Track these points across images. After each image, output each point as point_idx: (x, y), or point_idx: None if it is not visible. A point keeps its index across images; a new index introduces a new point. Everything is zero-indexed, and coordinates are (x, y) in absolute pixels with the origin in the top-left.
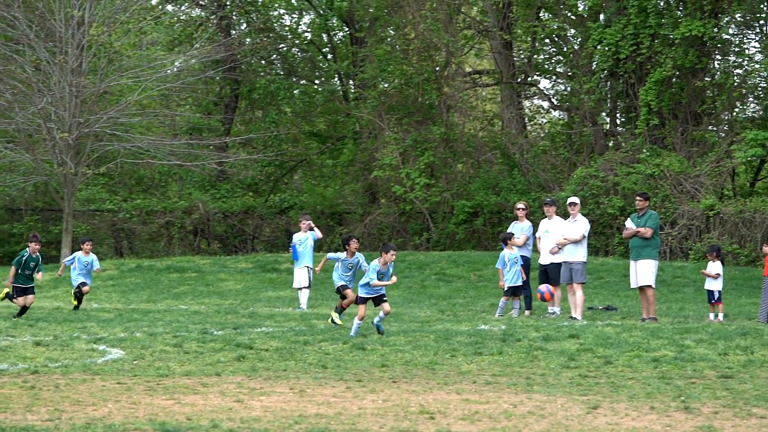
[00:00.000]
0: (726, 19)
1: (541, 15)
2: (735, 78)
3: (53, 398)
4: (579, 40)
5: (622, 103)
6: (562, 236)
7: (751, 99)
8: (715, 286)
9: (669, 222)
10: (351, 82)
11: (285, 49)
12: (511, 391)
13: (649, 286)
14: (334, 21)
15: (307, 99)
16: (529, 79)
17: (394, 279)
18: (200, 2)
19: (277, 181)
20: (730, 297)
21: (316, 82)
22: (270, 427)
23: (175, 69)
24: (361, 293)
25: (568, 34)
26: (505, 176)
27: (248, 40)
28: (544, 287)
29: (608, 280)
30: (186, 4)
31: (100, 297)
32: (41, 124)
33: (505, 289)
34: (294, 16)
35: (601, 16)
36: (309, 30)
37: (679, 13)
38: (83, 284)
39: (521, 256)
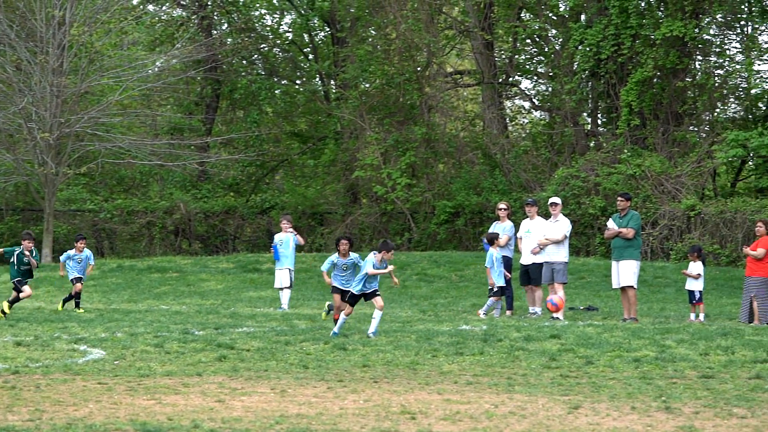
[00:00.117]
0: (707, 19)
1: (522, 15)
2: (716, 78)
3: (34, 398)
4: (560, 40)
5: (603, 103)
6: (543, 236)
7: (732, 99)
8: (696, 286)
9: (650, 222)
10: (332, 82)
11: (266, 49)
12: (492, 391)
13: (631, 287)
14: (315, 21)
15: (289, 99)
16: (511, 79)
17: (391, 267)
18: (181, 2)
19: (259, 181)
20: (710, 297)
21: (298, 82)
22: (251, 427)
23: (156, 69)
24: (355, 290)
25: (550, 35)
26: (487, 176)
27: (229, 40)
28: (558, 299)
29: (589, 280)
30: (167, 4)
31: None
32: (22, 124)
33: (495, 289)
34: (275, 16)
35: (583, 17)
36: (290, 30)
37: (660, 13)
38: (78, 279)
39: (503, 257)
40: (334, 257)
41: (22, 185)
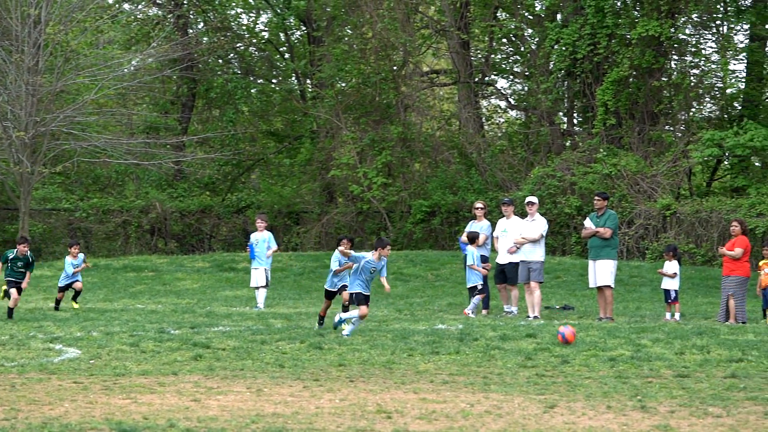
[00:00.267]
0: (683, 19)
1: (498, 15)
2: (692, 78)
3: (9, 398)
4: (536, 39)
5: (579, 102)
6: (520, 235)
7: (707, 99)
8: (671, 285)
9: (626, 222)
10: (308, 81)
11: (242, 48)
12: (468, 390)
13: (608, 286)
14: (291, 20)
15: (265, 98)
16: (487, 78)
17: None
18: (157, 1)
19: (235, 181)
20: (686, 296)
21: (274, 81)
22: (227, 426)
23: (132, 68)
24: (358, 289)
25: (526, 34)
26: (463, 176)
27: (205, 39)
28: (569, 332)
29: (565, 279)
30: (143, 3)
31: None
32: None
33: (479, 287)
34: (251, 15)
35: (558, 16)
36: (266, 29)
37: (636, 13)
38: (76, 281)
39: (480, 256)
40: (339, 256)
41: None
